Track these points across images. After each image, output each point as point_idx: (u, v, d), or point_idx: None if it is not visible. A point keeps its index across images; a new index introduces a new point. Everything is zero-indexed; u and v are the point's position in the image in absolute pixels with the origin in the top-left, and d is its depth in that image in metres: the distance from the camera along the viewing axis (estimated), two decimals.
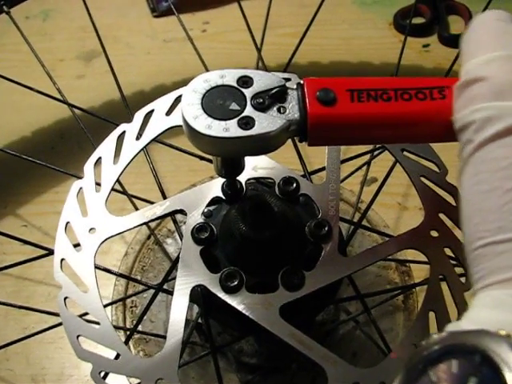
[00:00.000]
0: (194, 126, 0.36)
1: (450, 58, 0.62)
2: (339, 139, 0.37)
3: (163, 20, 0.90)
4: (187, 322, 0.41)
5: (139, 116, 0.48)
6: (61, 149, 0.75)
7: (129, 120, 0.48)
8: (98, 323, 0.41)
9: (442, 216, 0.44)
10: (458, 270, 0.43)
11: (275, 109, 0.36)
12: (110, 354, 0.40)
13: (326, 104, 0.35)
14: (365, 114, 0.35)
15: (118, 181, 0.46)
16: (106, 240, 0.44)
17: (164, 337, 0.51)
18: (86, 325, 0.41)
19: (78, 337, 0.40)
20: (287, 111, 0.36)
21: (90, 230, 0.44)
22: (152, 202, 0.55)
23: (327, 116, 0.35)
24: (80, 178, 0.47)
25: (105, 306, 0.43)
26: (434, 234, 0.43)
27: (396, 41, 0.84)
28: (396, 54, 0.64)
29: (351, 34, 0.86)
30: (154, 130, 0.48)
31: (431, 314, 0.41)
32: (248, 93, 0.37)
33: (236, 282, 0.41)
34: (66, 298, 0.42)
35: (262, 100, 0.36)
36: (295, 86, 0.37)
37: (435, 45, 0.83)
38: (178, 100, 0.48)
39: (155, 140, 0.49)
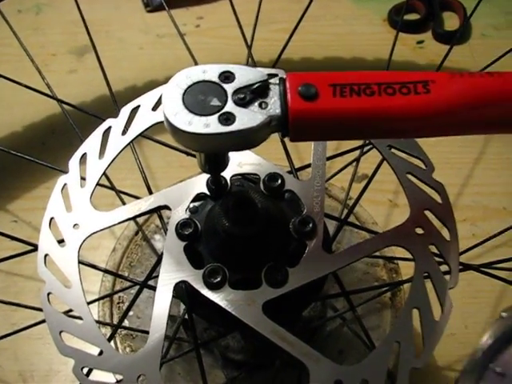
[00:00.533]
0: (174, 122, 0.35)
1: (444, 55, 0.62)
2: (322, 134, 0.37)
3: (156, 15, 0.90)
4: (174, 318, 0.42)
5: (125, 111, 0.48)
6: (52, 144, 0.75)
7: (117, 115, 0.48)
8: (81, 319, 0.41)
9: (427, 213, 0.44)
10: (443, 267, 0.43)
11: (256, 104, 0.36)
12: (94, 350, 0.40)
13: (308, 99, 0.35)
14: (347, 109, 0.35)
15: (104, 175, 0.46)
16: (90, 235, 0.44)
17: (145, 331, 0.51)
18: (69, 320, 0.41)
19: (60, 333, 0.40)
20: (269, 106, 0.36)
21: (74, 225, 0.44)
22: (140, 198, 0.55)
23: (308, 111, 0.35)
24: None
25: (91, 302, 0.43)
26: (419, 231, 0.43)
27: (390, 37, 0.83)
28: (389, 49, 0.64)
29: (345, 30, 0.86)
30: (139, 125, 0.47)
31: (415, 312, 0.41)
32: (229, 88, 0.36)
33: (219, 278, 0.41)
34: (49, 294, 0.42)
35: (243, 95, 0.36)
36: (277, 81, 0.37)
37: (429, 41, 0.83)
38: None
39: (144, 136, 0.49)
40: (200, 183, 0.45)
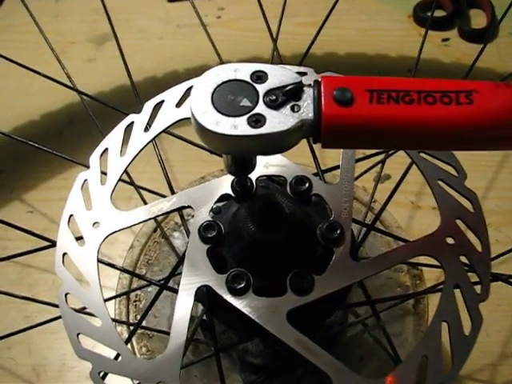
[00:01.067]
0: (202, 121, 0.34)
1: (471, 54, 0.60)
2: (355, 142, 0.35)
3: (177, 5, 0.88)
4: (191, 319, 0.40)
5: (148, 107, 0.46)
6: (69, 134, 0.73)
7: (138, 109, 0.47)
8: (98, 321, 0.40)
9: (458, 222, 0.42)
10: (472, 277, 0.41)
11: (289, 107, 0.34)
12: (111, 353, 0.39)
13: (343, 104, 0.33)
14: (384, 117, 0.33)
15: (124, 172, 0.45)
16: (109, 235, 0.42)
17: (168, 333, 0.50)
18: (87, 322, 0.39)
19: (78, 335, 0.39)
20: (301, 110, 0.34)
21: (94, 224, 0.42)
22: (159, 194, 0.54)
23: (343, 117, 0.33)
24: (87, 166, 0.45)
25: (107, 300, 0.42)
26: (450, 240, 0.41)
27: (415, 34, 0.82)
28: (414, 47, 0.62)
29: (369, 26, 0.84)
30: (162, 121, 0.46)
31: (444, 325, 0.39)
32: (261, 89, 0.35)
33: (243, 284, 0.40)
34: (67, 294, 0.40)
35: (275, 97, 0.34)
36: (311, 83, 0.35)
37: (455, 39, 0.81)
38: (188, 91, 0.46)
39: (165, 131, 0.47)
40: (224, 184, 0.44)
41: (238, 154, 0.37)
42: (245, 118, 0.34)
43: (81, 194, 0.44)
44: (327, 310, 0.43)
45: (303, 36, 0.65)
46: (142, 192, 0.55)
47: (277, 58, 0.59)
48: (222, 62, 0.59)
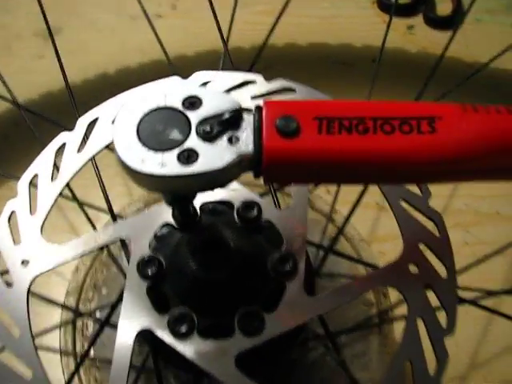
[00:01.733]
0: (125, 159, 0.29)
1: (437, 42, 0.55)
2: (302, 178, 0.30)
3: None
4: (133, 367, 0.36)
5: (82, 124, 0.41)
6: (15, 138, 0.67)
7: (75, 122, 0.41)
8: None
9: (422, 247, 0.38)
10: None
11: (225, 138, 0.29)
12: None
13: (287, 135, 0.28)
14: (334, 151, 0.28)
15: (55, 201, 0.39)
16: (40, 275, 0.37)
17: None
18: (17, 376, 0.35)
19: None
20: (240, 142, 0.29)
21: (23, 262, 0.37)
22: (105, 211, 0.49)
23: (287, 151, 0.28)
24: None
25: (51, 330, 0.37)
26: (414, 269, 0.37)
27: (379, 21, 0.76)
28: (379, 35, 0.56)
29: (331, 13, 0.78)
30: (97, 141, 0.40)
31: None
32: (194, 117, 0.30)
33: (186, 327, 0.35)
34: None
35: (209, 128, 0.29)
36: (252, 110, 0.30)
37: (420, 26, 0.75)
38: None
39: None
40: (165, 212, 0.39)
41: (170, 193, 0.32)
42: (175, 153, 0.29)
43: (7, 226, 0.38)
44: (281, 349, 0.39)
45: (261, 26, 0.59)
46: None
47: (228, 62, 0.53)
48: (168, 59, 0.53)
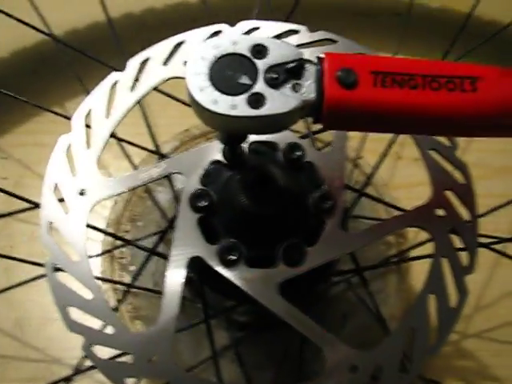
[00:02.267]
0: (199, 99, 0.32)
1: None
2: (357, 125, 0.34)
3: None
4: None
5: (133, 64, 0.44)
6: (43, 73, 0.69)
7: (117, 58, 0.44)
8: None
9: (449, 194, 0.42)
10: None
11: (289, 86, 0.32)
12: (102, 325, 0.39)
13: (346, 86, 0.31)
14: (388, 102, 0.31)
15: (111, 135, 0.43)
16: (97, 203, 0.41)
17: (153, 291, 0.50)
18: (77, 295, 0.39)
19: (67, 308, 0.38)
20: (302, 90, 0.32)
21: (81, 191, 0.41)
22: (147, 149, 0.52)
23: (346, 100, 0.31)
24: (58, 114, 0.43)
25: (91, 257, 0.41)
26: (441, 212, 0.41)
27: None
28: None
29: None
30: (149, 80, 0.43)
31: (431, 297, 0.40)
32: (261, 64, 0.33)
33: (235, 256, 0.39)
34: (55, 266, 0.39)
35: (276, 75, 0.32)
36: (314, 60, 0.33)
37: None
38: (176, 47, 0.44)
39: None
40: (215, 150, 0.42)
41: (235, 132, 0.35)
42: (244, 97, 0.32)
43: (64, 158, 0.42)
44: (317, 279, 0.43)
45: None
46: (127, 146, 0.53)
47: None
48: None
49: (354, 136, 0.58)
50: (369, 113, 0.32)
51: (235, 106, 0.32)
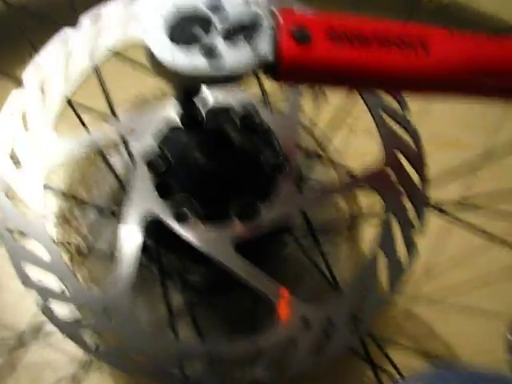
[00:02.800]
0: (156, 51, 0.33)
1: None
2: (311, 80, 0.35)
3: None
4: None
5: (86, 21, 0.44)
6: None
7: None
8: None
9: (398, 155, 0.44)
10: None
11: (245, 41, 0.34)
12: (58, 282, 0.39)
13: (301, 42, 0.33)
14: (341, 58, 0.33)
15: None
16: (52, 164, 0.41)
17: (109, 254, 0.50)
18: (31, 252, 0.39)
19: (22, 265, 0.39)
20: (258, 45, 0.33)
21: (37, 151, 0.41)
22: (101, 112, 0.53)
23: (301, 56, 0.33)
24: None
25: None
26: (390, 172, 0.43)
27: None
28: None
29: None
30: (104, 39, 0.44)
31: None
32: (217, 19, 0.34)
33: (189, 212, 0.40)
34: (8, 223, 0.40)
35: (231, 29, 0.34)
36: (269, 15, 0.34)
37: None
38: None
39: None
40: (168, 108, 0.43)
41: (191, 86, 0.36)
42: (201, 52, 0.33)
43: (18, 116, 0.42)
44: (271, 237, 0.44)
45: None
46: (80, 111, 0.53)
47: None
48: None
49: (308, 106, 0.60)
50: (323, 68, 0.33)
51: (193, 60, 0.33)
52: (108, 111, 0.49)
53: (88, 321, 0.38)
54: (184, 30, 0.33)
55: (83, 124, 0.51)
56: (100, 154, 0.54)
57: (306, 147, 0.55)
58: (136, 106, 0.55)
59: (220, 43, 0.33)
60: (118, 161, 0.55)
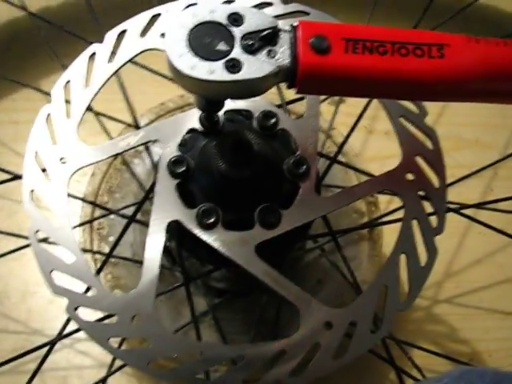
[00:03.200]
0: (178, 65, 0.34)
1: None
2: (330, 90, 0.36)
3: None
4: None
5: (111, 36, 0.46)
6: (17, 50, 0.70)
7: (97, 34, 0.46)
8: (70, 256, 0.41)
9: (418, 159, 0.44)
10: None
11: (265, 52, 0.35)
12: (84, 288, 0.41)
13: (320, 52, 0.34)
14: (359, 67, 0.34)
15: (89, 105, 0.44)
16: (77, 171, 0.42)
17: (132, 260, 0.52)
18: (60, 259, 0.40)
19: (51, 271, 0.40)
20: (277, 56, 0.34)
21: (61, 159, 0.42)
22: (123, 122, 0.54)
23: (319, 65, 0.34)
24: (37, 89, 0.44)
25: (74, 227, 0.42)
26: (410, 176, 0.44)
27: None
28: None
29: None
30: (127, 52, 0.45)
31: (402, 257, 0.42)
32: (237, 32, 0.35)
33: (213, 219, 0.41)
34: (37, 232, 0.41)
35: (251, 42, 0.35)
36: (289, 28, 0.35)
37: None
38: (153, 19, 0.46)
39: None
40: (191, 118, 0.44)
41: (213, 98, 0.37)
42: (222, 62, 0.34)
43: (46, 127, 0.43)
44: (292, 242, 0.45)
45: None
46: (105, 120, 0.55)
47: None
48: None
49: (327, 110, 0.61)
50: (341, 77, 0.34)
51: (213, 71, 0.34)
52: (131, 120, 0.50)
53: (113, 325, 0.39)
54: (204, 42, 0.34)
55: (107, 133, 0.52)
56: (124, 162, 0.56)
57: (326, 151, 0.56)
58: (158, 117, 0.56)
59: (240, 55, 0.34)
60: (141, 169, 0.56)
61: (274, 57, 0.34)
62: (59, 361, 0.56)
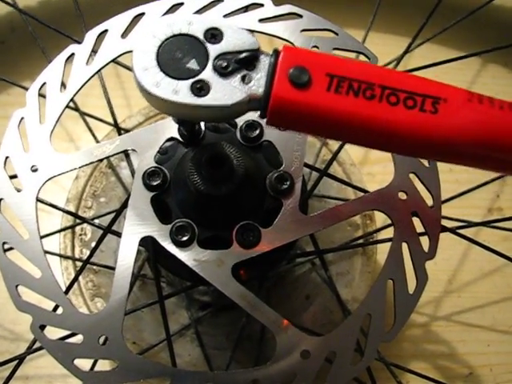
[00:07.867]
0: (141, 80, 0.32)
1: None
2: (302, 128, 0.33)
3: None
4: (138, 252, 0.39)
5: (91, 36, 0.44)
6: (12, 44, 0.69)
7: (81, 32, 0.44)
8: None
9: (412, 177, 0.42)
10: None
11: (239, 76, 0.32)
12: (51, 305, 0.39)
13: (297, 86, 0.30)
14: (339, 111, 0.30)
15: (64, 110, 0.42)
16: (48, 180, 0.41)
17: (112, 268, 0.50)
18: (27, 274, 0.39)
19: (17, 286, 0.39)
20: (252, 82, 0.32)
21: (32, 167, 0.41)
22: (105, 121, 0.52)
23: (294, 101, 0.31)
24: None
25: (51, 234, 0.41)
26: (403, 196, 0.42)
27: None
28: None
29: None
30: (106, 54, 0.43)
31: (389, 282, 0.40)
32: (213, 50, 0.33)
33: (187, 236, 0.40)
34: (4, 244, 0.39)
35: (226, 63, 0.32)
36: (270, 53, 0.32)
37: None
38: (136, 20, 0.44)
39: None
40: (171, 126, 0.42)
41: (177, 117, 0.35)
42: (188, 82, 0.32)
43: (18, 133, 0.42)
44: (273, 261, 0.43)
45: None
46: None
47: None
48: None
49: None
50: (316, 118, 0.31)
51: (177, 91, 0.32)
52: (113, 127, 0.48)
53: (79, 345, 0.38)
54: (175, 57, 0.33)
55: (96, 140, 0.50)
56: (110, 166, 0.54)
57: (321, 159, 0.54)
58: (147, 118, 0.54)
59: (210, 77, 0.32)
60: (128, 172, 0.54)
61: (248, 83, 0.32)
62: (44, 366, 0.55)
